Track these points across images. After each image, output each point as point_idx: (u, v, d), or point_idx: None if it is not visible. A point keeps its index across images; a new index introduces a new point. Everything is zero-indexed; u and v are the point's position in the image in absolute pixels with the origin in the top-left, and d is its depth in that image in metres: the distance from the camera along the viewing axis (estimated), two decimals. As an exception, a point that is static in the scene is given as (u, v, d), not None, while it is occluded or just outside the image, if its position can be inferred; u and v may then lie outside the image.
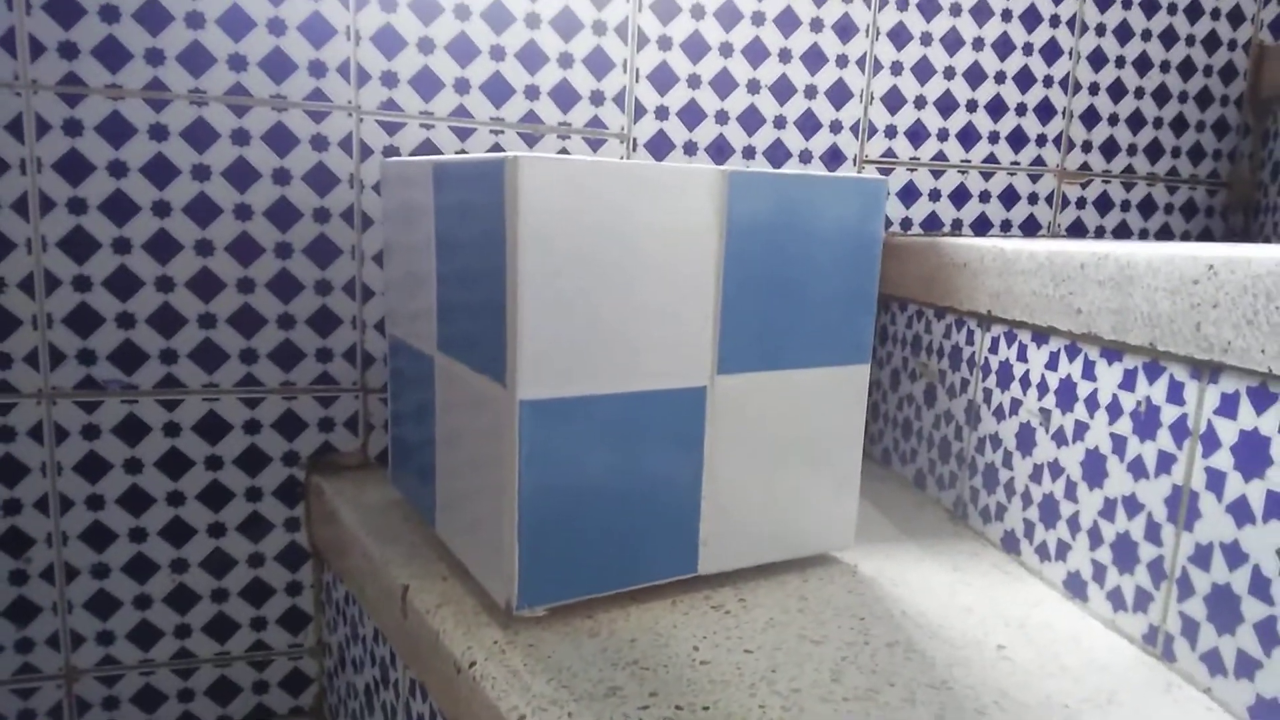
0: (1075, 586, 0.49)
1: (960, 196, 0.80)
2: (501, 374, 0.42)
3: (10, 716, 0.63)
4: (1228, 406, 0.39)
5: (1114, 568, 0.46)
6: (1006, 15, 0.77)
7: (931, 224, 0.80)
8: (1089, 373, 0.49)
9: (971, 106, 0.78)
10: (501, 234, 0.40)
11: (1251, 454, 0.38)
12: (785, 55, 0.73)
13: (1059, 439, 0.51)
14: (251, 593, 0.67)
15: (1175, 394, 0.42)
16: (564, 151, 0.69)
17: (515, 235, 0.39)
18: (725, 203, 0.44)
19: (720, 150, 0.72)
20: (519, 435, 0.41)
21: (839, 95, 0.75)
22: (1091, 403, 0.48)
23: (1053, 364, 0.52)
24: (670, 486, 0.46)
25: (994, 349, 0.58)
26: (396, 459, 0.60)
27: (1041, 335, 0.53)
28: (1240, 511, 0.38)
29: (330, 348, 0.66)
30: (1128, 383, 0.45)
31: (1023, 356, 0.55)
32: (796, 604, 0.47)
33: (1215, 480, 0.39)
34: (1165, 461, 0.43)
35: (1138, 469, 0.44)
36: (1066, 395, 0.50)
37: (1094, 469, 0.48)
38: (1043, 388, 0.53)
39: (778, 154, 0.74)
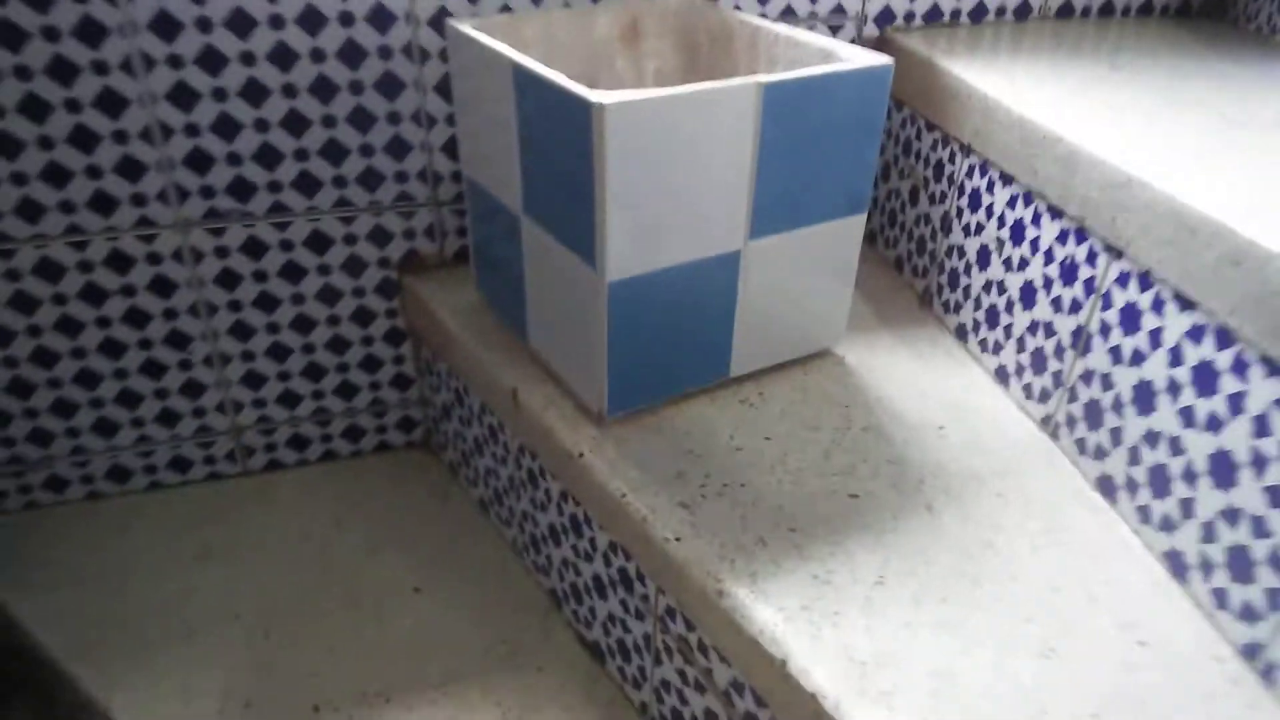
0: (1001, 376, 0.67)
1: (961, -13, 0.85)
2: (591, 257, 0.55)
3: (196, 461, 0.84)
4: (1123, 281, 0.54)
5: (1030, 369, 0.64)
6: None
7: (933, 15, 0.86)
8: (1037, 221, 0.62)
9: (982, -104, 0.81)
10: (589, 156, 0.52)
11: (1130, 319, 0.54)
12: None
13: (1007, 265, 0.66)
14: (366, 364, 0.85)
15: (1091, 260, 0.57)
16: (598, -26, 0.74)
17: (603, 164, 0.51)
18: (759, 106, 0.55)
19: (741, -38, 0.77)
20: (608, 306, 0.56)
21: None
22: (1034, 245, 0.63)
23: (1012, 204, 0.65)
24: (712, 317, 0.61)
25: (970, 175, 0.71)
26: (482, 270, 0.74)
27: (1007, 178, 0.66)
28: (1116, 354, 0.55)
29: (406, 170, 0.77)
30: (1062, 238, 0.60)
31: (990, 190, 0.68)
32: (800, 395, 0.65)
33: (1104, 329, 0.56)
34: (1075, 306, 0.58)
35: (1057, 305, 0.60)
36: (1018, 233, 0.64)
37: (1027, 295, 0.63)
38: (1001, 221, 0.66)
39: (795, -39, 0.79)
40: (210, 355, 0.79)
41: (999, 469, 0.59)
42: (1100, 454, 0.56)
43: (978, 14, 0.88)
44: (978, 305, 0.70)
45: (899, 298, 0.79)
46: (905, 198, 0.80)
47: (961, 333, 0.72)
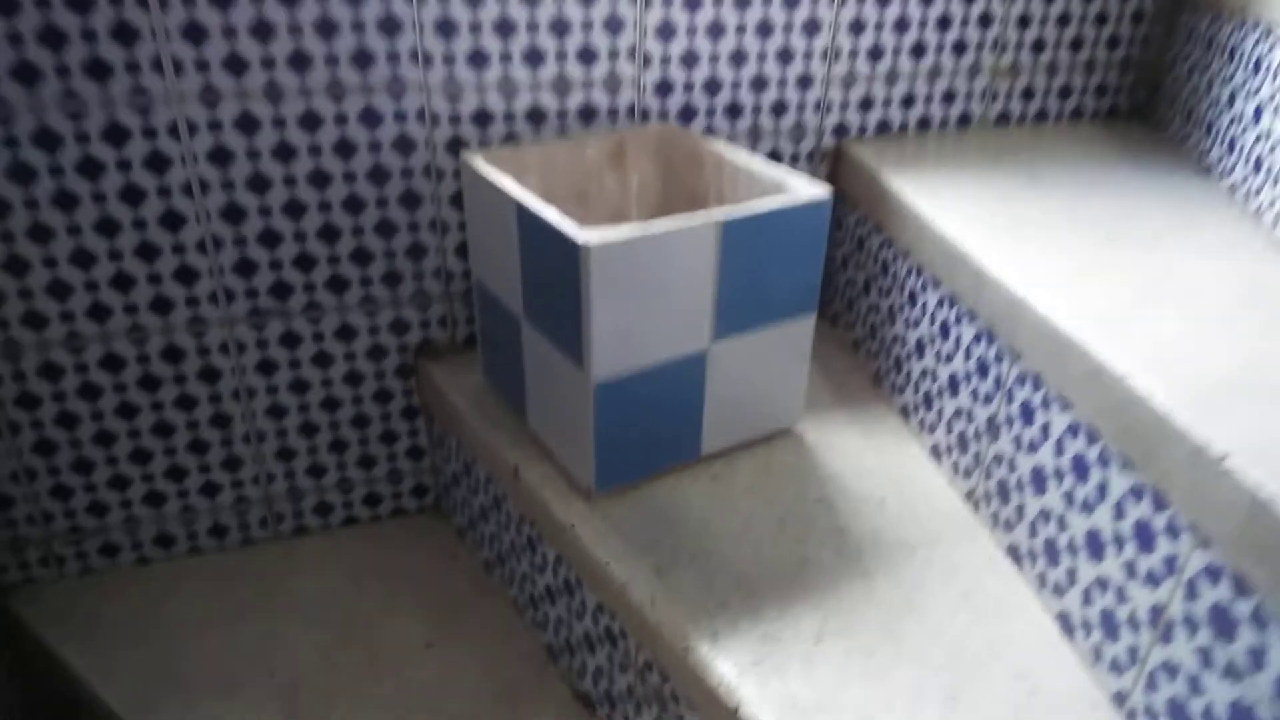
0: (935, 454, 0.77)
1: (909, 101, 0.97)
2: (581, 361, 0.66)
3: (233, 528, 0.95)
4: (1021, 380, 0.65)
5: (957, 449, 0.74)
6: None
7: (883, 128, 0.98)
8: (959, 322, 0.73)
9: (922, 24, 0.93)
10: (578, 279, 0.63)
11: (1027, 413, 0.64)
12: (765, 29, 0.87)
13: (938, 357, 0.77)
14: (385, 437, 0.95)
15: (999, 360, 0.67)
16: (588, 101, 0.86)
17: (589, 289, 0.62)
18: (719, 238, 0.66)
19: (710, 89, 0.89)
20: (594, 402, 0.66)
21: (810, 29, 0.90)
22: (958, 343, 0.73)
23: (941, 304, 0.76)
24: (684, 406, 0.72)
25: (909, 275, 0.82)
26: (488, 360, 0.85)
27: (936, 282, 0.77)
28: (1017, 442, 0.65)
29: (423, 270, 0.89)
30: (978, 339, 0.70)
31: (924, 290, 0.79)
32: (763, 471, 0.76)
33: (1009, 419, 0.66)
34: (988, 398, 0.69)
35: (975, 396, 0.71)
36: (945, 331, 0.75)
37: (954, 385, 0.74)
38: (933, 318, 0.77)
39: (760, 84, 0.91)
40: (249, 433, 0.90)
41: (928, 538, 0.69)
42: (1009, 526, 0.67)
43: (923, 125, 0.99)
44: (917, 389, 0.80)
45: (855, 377, 0.90)
46: (860, 287, 0.91)
47: (905, 413, 0.83)
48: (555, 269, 0.65)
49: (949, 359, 0.75)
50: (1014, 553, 0.66)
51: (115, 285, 0.80)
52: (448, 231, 0.88)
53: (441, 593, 0.90)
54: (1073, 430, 0.59)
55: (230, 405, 0.88)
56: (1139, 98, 1.06)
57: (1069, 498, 0.60)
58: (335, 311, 0.88)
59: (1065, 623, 0.61)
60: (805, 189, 0.70)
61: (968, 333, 0.72)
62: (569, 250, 0.62)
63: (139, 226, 0.78)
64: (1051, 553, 0.62)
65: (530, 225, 0.67)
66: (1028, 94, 1.02)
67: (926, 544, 0.68)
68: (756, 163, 0.76)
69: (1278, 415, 0.49)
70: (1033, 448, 0.63)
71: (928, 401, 0.78)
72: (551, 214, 0.65)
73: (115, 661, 0.82)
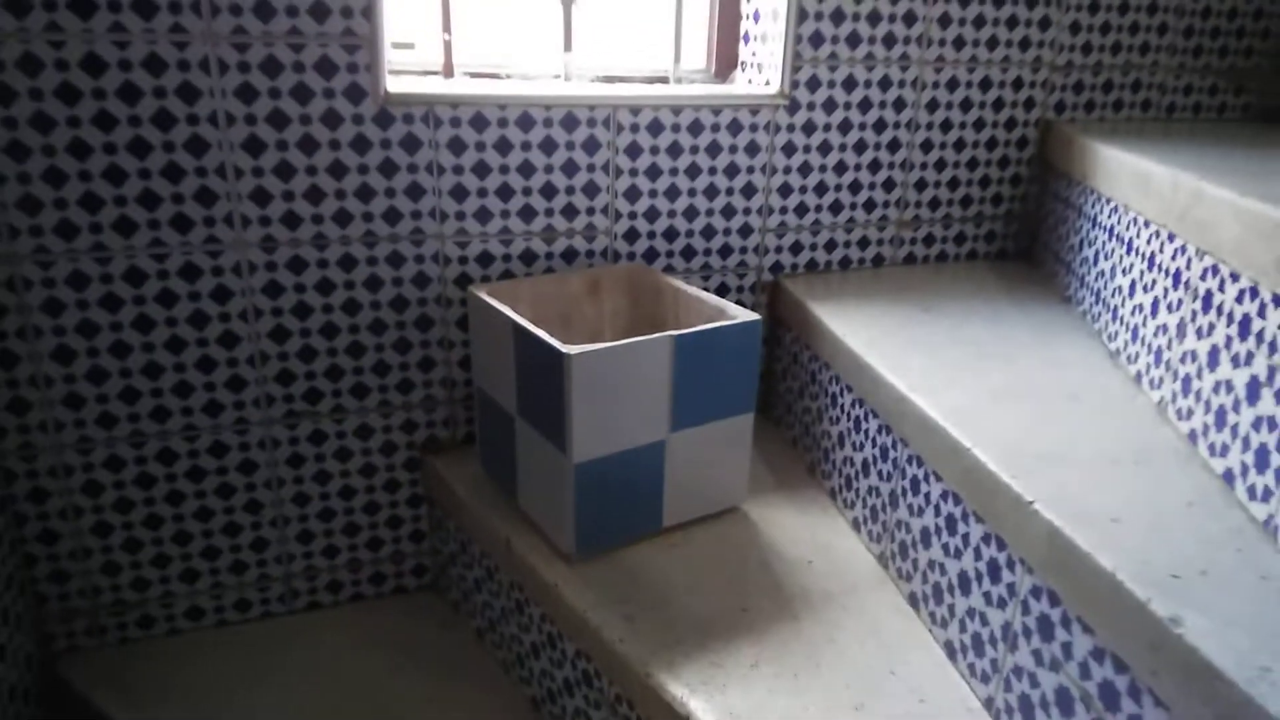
0: (856, 525, 0.94)
1: (831, 245, 1.20)
2: (563, 447, 0.84)
3: (255, 602, 1.08)
4: (910, 461, 0.83)
5: (870, 520, 0.91)
6: (863, 125, 1.14)
7: (812, 265, 1.20)
8: (866, 418, 0.92)
9: (838, 188, 1.17)
10: (561, 381, 0.81)
11: (915, 485, 0.82)
12: (712, 170, 1.10)
13: (853, 446, 0.95)
14: (391, 522, 1.11)
15: (895, 446, 0.86)
16: (570, 246, 1.07)
17: (570, 389, 0.80)
18: (674, 350, 0.85)
19: (670, 234, 1.11)
20: (574, 481, 0.84)
21: (748, 191, 1.12)
22: (865, 434, 0.92)
23: (853, 405, 0.95)
24: (648, 487, 0.89)
25: (831, 383, 1.01)
26: (485, 453, 1.02)
27: (849, 387, 0.96)
28: (911, 509, 0.83)
29: (431, 379, 1.07)
30: (880, 430, 0.89)
31: (841, 394, 0.98)
32: (715, 540, 0.92)
33: (903, 492, 0.84)
34: (888, 475, 0.87)
35: (880, 476, 0.89)
36: (857, 425, 0.94)
37: (865, 469, 0.92)
38: (848, 416, 0.96)
39: (709, 232, 1.12)
40: (276, 518, 1.05)
41: (846, 589, 0.85)
42: (908, 576, 0.83)
43: (844, 263, 1.21)
44: (840, 474, 0.98)
45: (792, 467, 1.08)
46: (796, 391, 1.10)
47: (832, 494, 1.00)
48: (544, 375, 0.84)
49: (861, 447, 0.93)
50: (912, 598, 0.83)
51: (176, 392, 0.97)
52: (453, 347, 1.07)
53: (438, 658, 1.03)
54: (944, 495, 0.77)
55: (263, 493, 1.04)
56: (1023, 242, 1.29)
57: (946, 548, 0.77)
58: (356, 413, 1.05)
59: (949, 648, 0.77)
60: (742, 314, 0.90)
61: (873, 425, 0.90)
62: (555, 360, 0.81)
63: (201, 344, 0.96)
64: (938, 594, 0.78)
65: (524, 341, 0.86)
66: (929, 240, 1.24)
67: (844, 594, 0.85)
68: (704, 295, 0.96)
69: (1071, 474, 0.68)
70: (920, 511, 0.81)
71: (848, 483, 0.96)
72: (541, 333, 0.84)
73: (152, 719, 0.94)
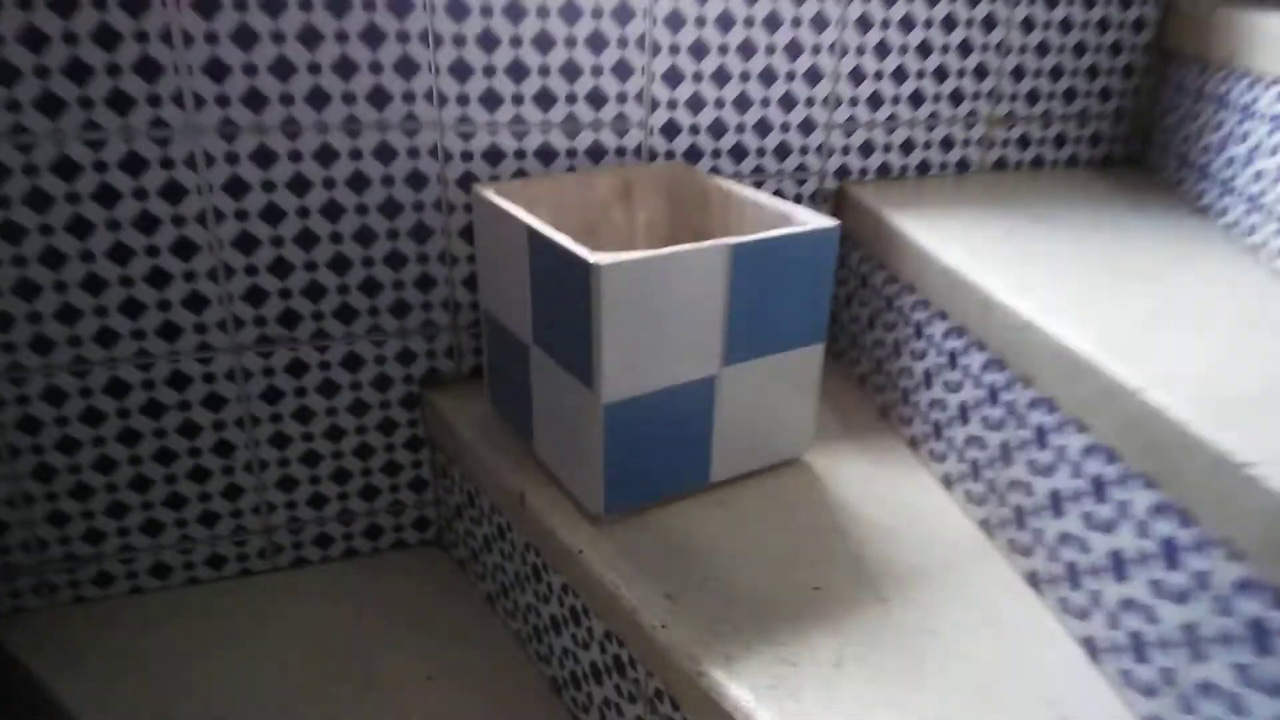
0: (946, 482, 0.77)
1: (908, 146, 1.00)
2: (590, 382, 0.66)
3: (231, 559, 0.93)
4: (1034, 405, 0.65)
5: (969, 477, 0.74)
6: (956, -2, 0.94)
7: (884, 171, 1.00)
8: (967, 351, 0.74)
9: (920, 75, 0.96)
10: (588, 300, 0.63)
11: (1041, 437, 0.64)
12: (770, 49, 0.90)
13: (946, 387, 0.77)
14: (388, 468, 0.95)
15: (1009, 387, 0.68)
16: (596, 141, 0.88)
17: (599, 310, 0.62)
18: (730, 262, 0.67)
19: (716, 130, 0.91)
20: (604, 424, 0.66)
21: (813, 76, 0.92)
22: (965, 372, 0.74)
23: (947, 336, 0.77)
24: (694, 433, 0.72)
25: (913, 309, 0.83)
26: (495, 388, 0.85)
27: (942, 314, 0.78)
28: (1032, 467, 0.65)
29: (431, 301, 0.89)
30: (987, 367, 0.71)
31: (930, 323, 0.80)
32: (773, 499, 0.75)
33: (1022, 444, 0.66)
34: (1000, 424, 0.69)
35: (986, 423, 0.71)
36: (953, 360, 0.76)
37: (963, 414, 0.74)
38: (940, 349, 0.78)
39: (763, 128, 0.93)
40: (251, 462, 0.89)
41: (943, 564, 0.68)
42: (1026, 552, 0.66)
43: (923, 169, 1.02)
44: (925, 420, 0.81)
45: (861, 410, 0.90)
46: (865, 322, 0.92)
47: (913, 443, 0.83)
48: (566, 292, 0.66)
49: (957, 387, 0.75)
50: (1032, 578, 0.66)
51: (124, 311, 0.80)
52: (456, 264, 0.89)
53: (442, 626, 0.88)
54: (1089, 451, 0.59)
55: (234, 433, 0.88)
56: (1133, 147, 1.09)
57: (1090, 519, 0.60)
58: (342, 340, 0.88)
59: (1091, 647, 0.60)
60: (813, 219, 0.72)
61: (976, 361, 0.72)
62: (581, 273, 0.63)
63: (151, 253, 0.79)
64: (1073, 576, 0.61)
65: (542, 250, 0.68)
66: (1024, 142, 1.04)
67: (942, 570, 0.68)
68: (763, 197, 0.77)
69: (1292, 426, 0.50)
70: (1049, 471, 0.63)
71: (937, 431, 0.79)
72: (563, 239, 0.66)
73: (105, 693, 0.79)
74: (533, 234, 0.69)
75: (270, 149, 0.79)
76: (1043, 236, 0.81)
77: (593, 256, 0.62)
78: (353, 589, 0.93)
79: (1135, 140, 1.08)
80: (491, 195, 0.75)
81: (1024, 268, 0.73)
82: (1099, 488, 0.58)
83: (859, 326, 0.94)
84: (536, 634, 0.81)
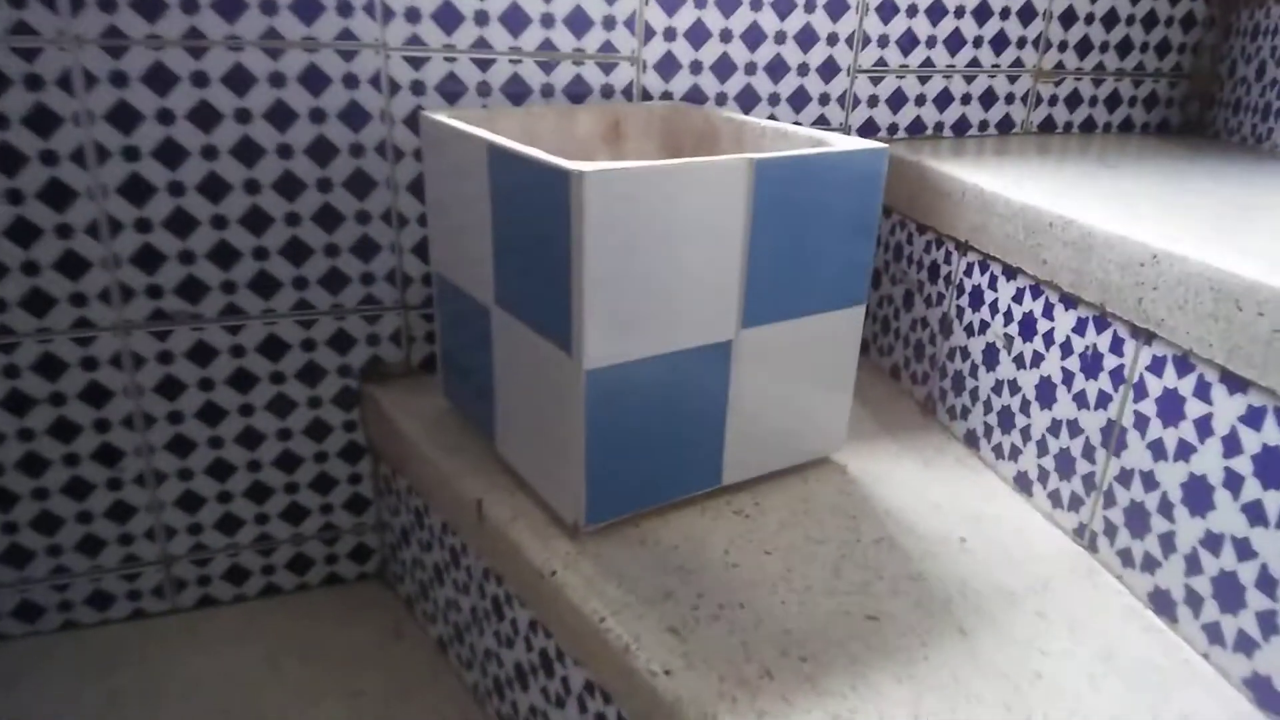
0: (1022, 484, 0.60)
1: (944, 100, 0.85)
2: (568, 344, 0.50)
3: (119, 596, 0.74)
4: (1157, 366, 0.49)
5: (1055, 474, 0.57)
6: (998, -79, 0.80)
7: (916, 128, 0.85)
8: (1048, 313, 0.58)
9: (959, 13, 0.82)
10: (567, 232, 0.47)
11: (1171, 407, 0.48)
12: (784, 4, 0.75)
13: (1019, 362, 0.61)
14: (319, 484, 0.77)
15: (1117, 348, 0.52)
16: (578, 76, 0.73)
17: (581, 239, 0.46)
18: (751, 186, 0.51)
19: (722, 69, 0.76)
20: (585, 398, 0.50)
21: (836, 8, 0.78)
22: (1048, 338, 0.58)
23: (1019, 298, 0.61)
24: (702, 419, 0.55)
25: (968, 273, 0.67)
26: (449, 376, 0.68)
27: (1010, 271, 0.62)
28: (1158, 449, 0.49)
29: (373, 271, 0.73)
30: (1080, 328, 0.55)
31: (993, 286, 0.64)
32: (801, 506, 0.58)
33: (1141, 422, 0.50)
34: (1103, 399, 0.53)
35: (1081, 400, 0.55)
36: (1028, 327, 0.60)
37: (1045, 393, 0.58)
38: (1008, 317, 0.62)
39: (778, 69, 0.78)
40: (143, 473, 0.72)
41: (1034, 585, 0.51)
42: (1150, 565, 0.49)
43: (960, 127, 0.87)
44: (988, 408, 0.64)
45: (898, 406, 0.74)
46: (899, 303, 0.76)
47: (972, 439, 0.66)
48: (537, 221, 0.50)
49: (1035, 362, 0.59)
50: (1162, 600, 0.49)
51: (-24, 272, 0.63)
52: (405, 226, 0.72)
53: (383, 680, 0.70)
54: (1253, 418, 0.43)
55: (121, 436, 0.70)
56: (1191, 112, 0.95)
57: (1254, 512, 0.43)
58: (259, 319, 0.71)
59: (1263, 691, 0.43)
60: (856, 143, 0.56)
61: (1064, 322, 0.56)
62: (555, 189, 0.47)
63: (13, 199, 0.62)
64: (1229, 594, 0.44)
65: (506, 169, 0.52)
66: (1072, 100, 0.90)
67: (1034, 592, 0.51)
68: (788, 127, 0.62)
69: None
70: (1184, 452, 0.47)
71: (1005, 421, 0.62)
72: (533, 151, 0.49)
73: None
74: (494, 151, 0.53)
75: (168, 69, 0.63)
76: (1129, 179, 0.66)
77: (571, 165, 0.46)
78: (272, 634, 0.74)
79: (1193, 104, 0.94)
80: (443, 118, 0.59)
81: (1123, 204, 0.57)
82: (1271, 465, 0.42)
83: (890, 308, 0.78)
84: (497, 688, 0.63)
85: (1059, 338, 0.57)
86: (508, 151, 0.51)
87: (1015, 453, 0.61)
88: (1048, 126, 0.90)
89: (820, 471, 0.63)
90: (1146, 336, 0.50)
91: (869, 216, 0.57)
